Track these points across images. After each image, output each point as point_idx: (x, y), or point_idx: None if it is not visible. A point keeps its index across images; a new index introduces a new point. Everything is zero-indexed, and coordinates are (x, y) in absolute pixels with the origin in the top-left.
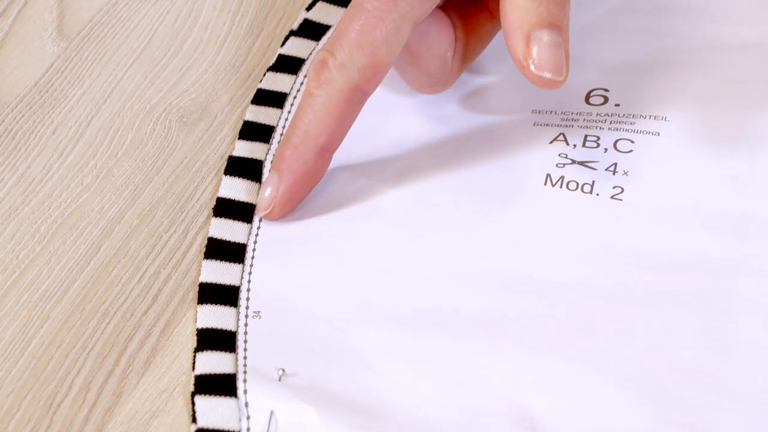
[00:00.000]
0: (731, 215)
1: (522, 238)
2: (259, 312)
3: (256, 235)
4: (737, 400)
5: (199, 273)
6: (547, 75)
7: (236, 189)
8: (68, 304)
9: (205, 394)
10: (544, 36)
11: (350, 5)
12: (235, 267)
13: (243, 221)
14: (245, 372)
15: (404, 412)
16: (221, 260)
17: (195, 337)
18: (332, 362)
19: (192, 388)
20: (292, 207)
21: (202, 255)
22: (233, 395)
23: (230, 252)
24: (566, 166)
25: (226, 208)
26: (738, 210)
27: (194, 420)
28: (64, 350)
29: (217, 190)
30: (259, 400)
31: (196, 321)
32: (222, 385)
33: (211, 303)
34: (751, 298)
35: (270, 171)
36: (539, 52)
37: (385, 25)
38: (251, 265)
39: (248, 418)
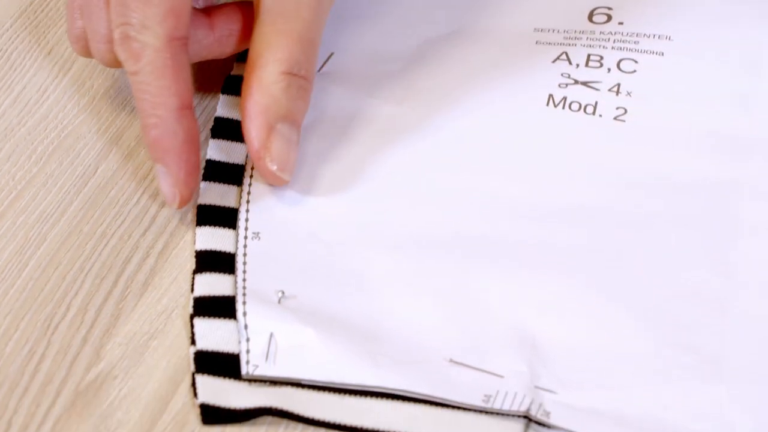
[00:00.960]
0: (736, 137)
1: (523, 160)
2: (258, 233)
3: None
4: (739, 323)
5: (197, 194)
6: (277, 171)
7: (235, 109)
8: (65, 225)
9: (204, 316)
10: (285, 131)
11: None
12: (233, 189)
13: (241, 141)
14: (244, 294)
15: (403, 334)
16: (219, 182)
17: (194, 259)
18: (332, 285)
19: (191, 310)
20: (196, 178)
21: (201, 176)
22: (232, 317)
23: (228, 173)
24: (569, 86)
25: (225, 129)
26: (743, 132)
27: (193, 342)
28: (61, 272)
29: (215, 111)
30: (259, 323)
31: (194, 243)
32: (221, 308)
33: (210, 225)
34: (754, 220)
35: (155, 164)
36: (278, 147)
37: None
38: (250, 185)
39: (248, 340)
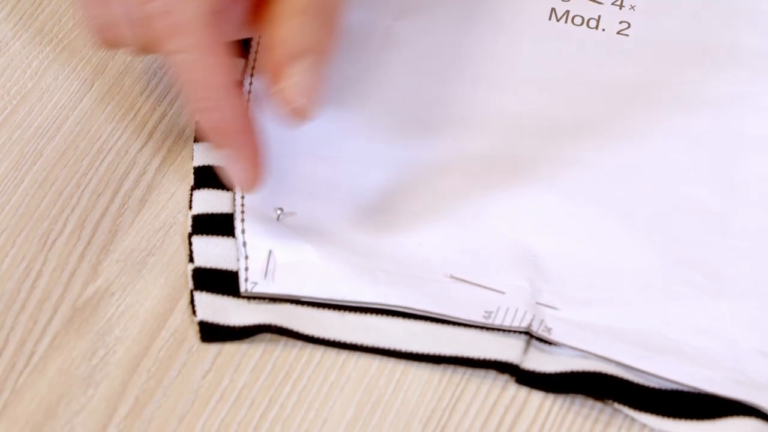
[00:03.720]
0: (741, 51)
1: (525, 75)
2: None
3: (252, 72)
4: (741, 239)
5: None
6: (299, 103)
7: None
8: (61, 141)
9: (202, 233)
10: (306, 64)
11: None
12: None
13: (240, 57)
14: (243, 211)
15: (404, 251)
16: None
17: (192, 175)
18: (331, 201)
19: (189, 228)
20: (264, 156)
21: None
22: (231, 235)
23: None
24: (571, 0)
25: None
26: (749, 46)
27: (191, 260)
28: (57, 188)
29: None
30: (258, 240)
31: (192, 159)
32: (219, 225)
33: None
34: (758, 135)
35: (214, 148)
36: (299, 82)
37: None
38: (248, 101)
39: (246, 257)
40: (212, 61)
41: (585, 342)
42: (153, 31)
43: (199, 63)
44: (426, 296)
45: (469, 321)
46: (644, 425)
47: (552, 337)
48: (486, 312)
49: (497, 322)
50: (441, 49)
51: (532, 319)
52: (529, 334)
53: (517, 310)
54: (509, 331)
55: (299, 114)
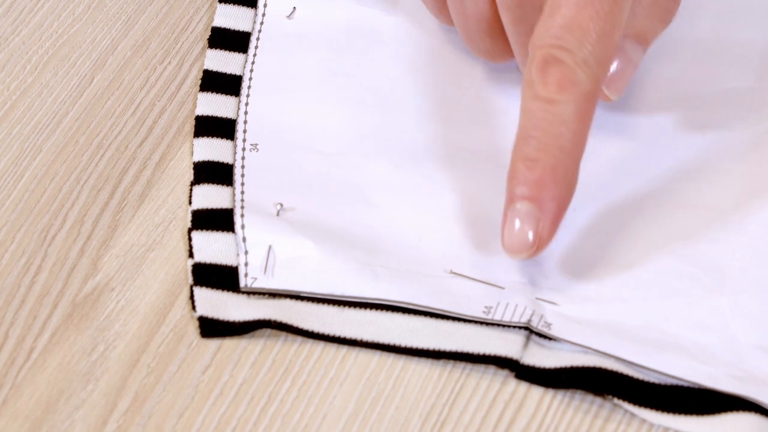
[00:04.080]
0: (743, 47)
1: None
2: (256, 144)
3: (252, 65)
4: (741, 234)
5: (194, 106)
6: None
7: (232, 17)
8: (61, 136)
9: (202, 229)
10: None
11: None
12: (231, 100)
13: (239, 52)
14: (243, 206)
15: (404, 246)
16: (217, 93)
17: (191, 171)
18: (331, 197)
19: (189, 223)
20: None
21: (198, 87)
22: (231, 230)
23: (226, 84)
24: None
25: (222, 39)
26: (750, 41)
27: (191, 255)
28: (57, 183)
29: (212, 20)
30: (257, 235)
31: (192, 154)
32: (219, 220)
33: (208, 136)
34: (758, 132)
35: (518, 198)
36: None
37: (618, 7)
38: (248, 96)
39: (246, 252)
40: (583, 128)
41: (584, 338)
42: (538, 72)
43: (573, 123)
44: (426, 292)
45: (469, 316)
46: (644, 420)
47: (552, 332)
48: (486, 307)
49: (497, 317)
50: (433, 42)
51: (531, 315)
52: (528, 330)
53: (516, 306)
54: (509, 326)
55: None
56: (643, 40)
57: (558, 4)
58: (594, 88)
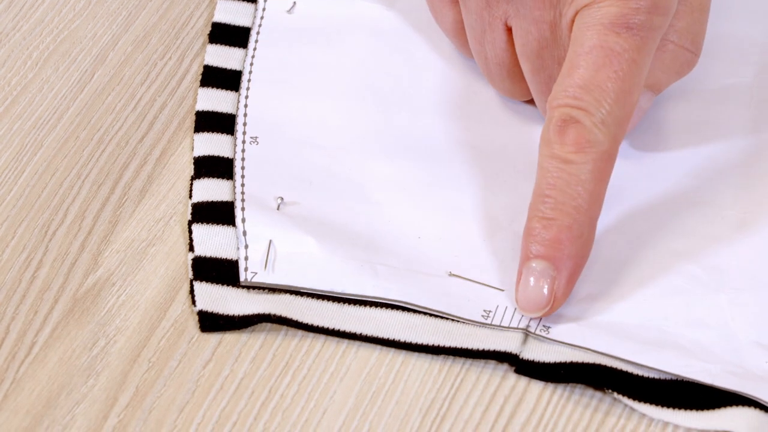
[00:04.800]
0: (742, 42)
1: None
2: (256, 138)
3: (252, 60)
4: (741, 232)
5: (195, 101)
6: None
7: (232, 12)
8: (62, 131)
9: (202, 222)
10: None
11: (590, 46)
12: (232, 95)
13: (239, 47)
14: (243, 200)
15: (404, 244)
16: (217, 88)
17: (191, 166)
18: (332, 193)
19: (189, 216)
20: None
21: (198, 82)
22: (231, 224)
23: (226, 80)
24: None
25: (222, 34)
26: (749, 37)
27: (191, 249)
28: (58, 178)
29: (212, 16)
30: (258, 229)
31: (192, 149)
32: (220, 213)
33: (208, 131)
34: (757, 130)
35: (534, 257)
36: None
37: (638, 68)
38: (248, 89)
39: (246, 246)
40: (600, 189)
41: (583, 339)
42: (555, 133)
43: (589, 183)
44: (426, 293)
45: (468, 320)
46: (643, 415)
47: (550, 335)
48: (485, 311)
49: (495, 321)
50: (435, 37)
51: (530, 319)
52: (526, 333)
53: (515, 309)
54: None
55: None
56: (656, 90)
57: (576, 64)
58: (611, 148)
